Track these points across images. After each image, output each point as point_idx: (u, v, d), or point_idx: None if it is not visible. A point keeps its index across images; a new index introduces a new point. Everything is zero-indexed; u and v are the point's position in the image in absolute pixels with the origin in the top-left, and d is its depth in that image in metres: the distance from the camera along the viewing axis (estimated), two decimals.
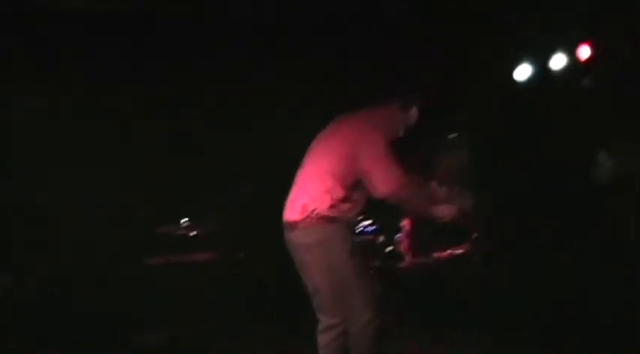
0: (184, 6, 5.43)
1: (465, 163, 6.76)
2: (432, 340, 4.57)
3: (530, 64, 6.42)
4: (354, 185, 3.93)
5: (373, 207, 4.22)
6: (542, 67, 6.36)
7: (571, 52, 6.14)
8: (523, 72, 6.48)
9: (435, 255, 4.51)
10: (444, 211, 4.09)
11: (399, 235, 4.56)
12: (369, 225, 5.25)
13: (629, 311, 4.77)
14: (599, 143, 5.71)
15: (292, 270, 4.07)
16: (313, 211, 3.87)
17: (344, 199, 3.90)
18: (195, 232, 6.22)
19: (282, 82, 6.23)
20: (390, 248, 4.73)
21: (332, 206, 3.87)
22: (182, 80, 6.11)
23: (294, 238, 3.97)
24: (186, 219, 6.27)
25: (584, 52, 6.06)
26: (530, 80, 6.48)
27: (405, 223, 4.41)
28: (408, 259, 4.42)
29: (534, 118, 6.34)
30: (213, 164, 6.45)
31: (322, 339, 3.98)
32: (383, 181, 3.84)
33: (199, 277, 5.96)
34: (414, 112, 4.21)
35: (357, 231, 5.12)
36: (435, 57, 6.04)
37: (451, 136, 6.46)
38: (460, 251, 4.36)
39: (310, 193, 3.93)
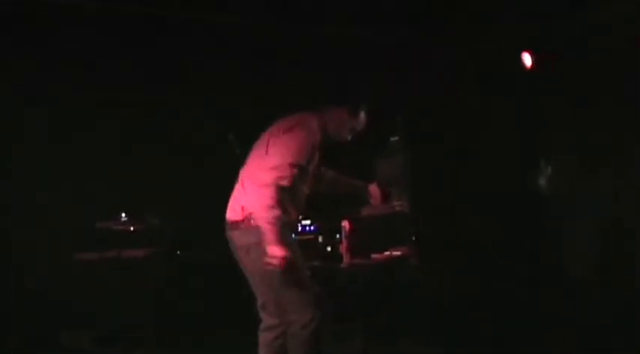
0: None
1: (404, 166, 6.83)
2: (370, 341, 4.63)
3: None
4: (292, 186, 3.93)
5: (313, 206, 4.24)
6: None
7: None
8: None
9: (374, 256, 4.54)
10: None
11: (338, 235, 4.58)
12: (309, 224, 5.26)
13: (568, 313, 4.89)
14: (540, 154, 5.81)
15: (233, 268, 4.08)
16: (252, 212, 3.87)
17: (282, 200, 3.90)
18: (133, 228, 6.14)
19: (230, 80, 6.24)
20: (329, 248, 4.74)
21: (271, 206, 3.87)
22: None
23: (235, 238, 3.98)
24: (125, 214, 6.18)
25: (527, 59, 6.20)
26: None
27: (345, 224, 4.42)
28: (346, 259, 4.44)
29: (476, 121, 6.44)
30: (156, 159, 6.41)
31: (263, 338, 3.99)
32: (269, 167, 3.84)
33: (135, 273, 5.90)
34: (361, 118, 4.23)
35: (297, 230, 5.14)
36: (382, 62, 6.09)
37: (392, 139, 6.52)
38: (399, 253, 4.38)
39: (248, 193, 3.93)
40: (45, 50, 5.76)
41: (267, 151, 3.93)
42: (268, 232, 3.76)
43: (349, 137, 4.18)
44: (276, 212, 3.76)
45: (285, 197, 3.90)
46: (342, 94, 4.28)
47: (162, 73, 6.11)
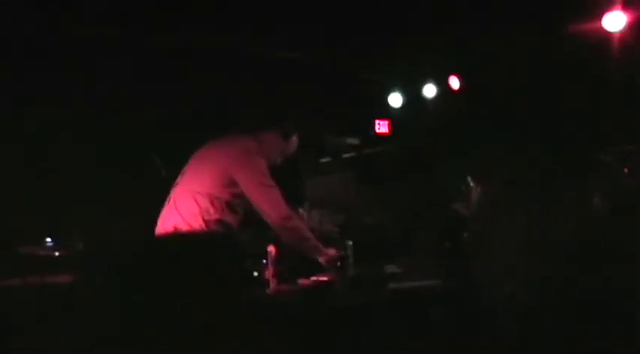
0: None
1: (338, 187, 6.85)
2: None
3: (401, 92, 6.62)
4: (228, 208, 3.92)
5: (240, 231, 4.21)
6: (414, 96, 6.57)
7: (441, 82, 6.37)
8: (396, 99, 6.68)
9: (300, 282, 4.50)
10: (328, 253, 4.11)
11: (264, 260, 4.52)
12: None
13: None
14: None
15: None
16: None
17: (217, 222, 3.89)
18: (58, 253, 5.98)
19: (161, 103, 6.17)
20: (256, 273, 4.67)
21: (204, 228, 3.84)
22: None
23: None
24: (50, 239, 6.02)
25: (455, 82, 6.31)
26: (403, 107, 6.69)
27: (271, 249, 4.37)
28: (272, 285, 4.38)
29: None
30: (81, 182, 6.28)
31: None
32: (268, 211, 3.85)
33: (58, 299, 5.73)
34: (293, 142, 4.24)
35: None
36: (315, 88, 6.11)
37: (324, 160, 6.54)
38: (325, 279, 4.36)
39: (183, 213, 3.91)
40: None
41: (228, 178, 3.89)
42: (305, 245, 3.80)
43: (279, 161, 4.18)
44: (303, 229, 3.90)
45: (222, 222, 3.88)
46: (273, 117, 4.29)
47: (84, 94, 6.01)
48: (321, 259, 4.18)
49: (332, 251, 4.25)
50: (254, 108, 5.83)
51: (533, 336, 4.92)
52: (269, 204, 3.93)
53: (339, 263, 4.37)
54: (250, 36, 5.76)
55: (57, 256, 5.96)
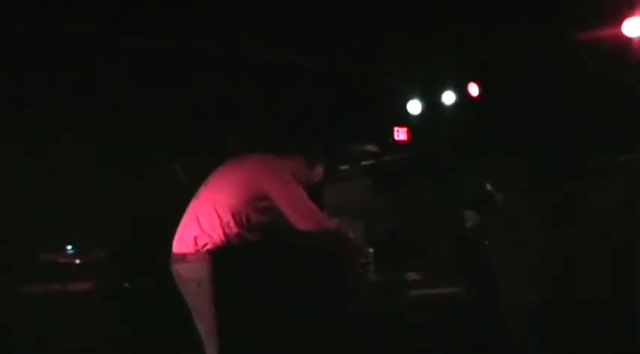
0: None
1: (356, 194, 6.85)
2: None
3: (420, 100, 6.64)
4: (249, 224, 3.90)
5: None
6: (433, 103, 6.58)
7: (460, 89, 6.38)
8: (415, 107, 6.70)
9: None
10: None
11: None
12: None
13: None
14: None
15: (179, 303, 4.01)
16: (205, 245, 3.82)
17: (237, 236, 3.87)
18: (79, 260, 6.01)
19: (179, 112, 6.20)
20: None
21: (224, 242, 3.83)
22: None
23: (182, 271, 3.91)
24: (71, 246, 6.06)
25: (474, 89, 6.32)
26: (422, 114, 6.71)
27: None
28: None
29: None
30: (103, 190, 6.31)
31: None
32: (307, 217, 3.85)
33: (79, 307, 5.77)
34: (318, 171, 4.24)
35: None
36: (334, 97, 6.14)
37: (343, 167, 6.55)
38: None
39: (203, 225, 3.88)
40: None
41: (256, 193, 3.90)
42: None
43: (304, 187, 4.17)
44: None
45: (242, 237, 3.88)
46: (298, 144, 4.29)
47: (105, 104, 6.03)
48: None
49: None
50: (278, 128, 5.83)
51: (554, 342, 4.92)
52: (309, 215, 3.91)
53: (361, 270, 4.37)
54: (266, 44, 5.76)
55: (78, 264, 6.01)
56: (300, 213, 3.88)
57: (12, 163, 5.99)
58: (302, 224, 3.87)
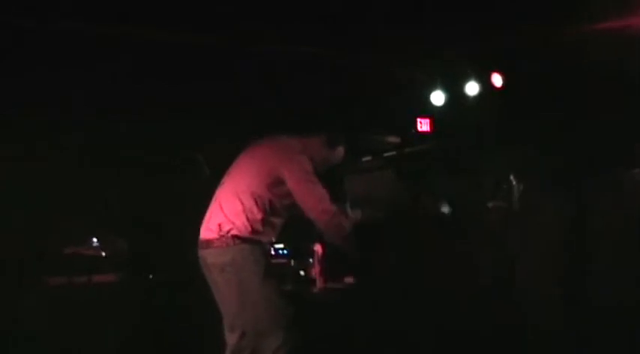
0: None
1: (378, 186, 6.84)
2: None
3: (443, 91, 6.61)
4: (272, 208, 3.94)
5: (286, 230, 4.23)
6: (456, 94, 6.56)
7: (483, 80, 6.36)
8: (438, 98, 6.68)
9: (347, 280, 4.52)
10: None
11: (311, 259, 4.55)
12: (282, 248, 5.23)
13: None
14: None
15: (205, 292, 4.04)
16: (229, 231, 3.86)
17: (260, 221, 3.91)
18: (104, 253, 6.05)
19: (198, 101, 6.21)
20: (302, 272, 4.70)
21: (247, 227, 3.87)
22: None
23: (208, 256, 3.95)
24: (96, 239, 6.10)
25: (497, 79, 6.29)
26: (445, 105, 6.69)
27: (317, 248, 4.40)
28: (319, 284, 4.40)
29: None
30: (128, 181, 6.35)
31: None
32: (313, 207, 3.87)
33: (104, 299, 5.80)
34: (339, 152, 4.25)
35: (271, 254, 5.10)
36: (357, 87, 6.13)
37: (365, 158, 6.54)
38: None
39: (227, 212, 3.92)
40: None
41: (274, 177, 3.92)
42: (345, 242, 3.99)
43: (323, 169, 4.18)
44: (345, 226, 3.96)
45: (266, 221, 3.91)
46: (319, 124, 4.29)
47: (126, 94, 6.05)
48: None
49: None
50: (299, 110, 5.83)
51: (572, 334, 4.90)
52: (313, 199, 3.93)
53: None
54: (287, 34, 5.76)
55: (103, 256, 6.05)
56: (307, 202, 3.90)
57: (36, 159, 6.04)
58: (310, 212, 3.90)
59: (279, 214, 4.02)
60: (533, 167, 5.82)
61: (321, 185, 3.98)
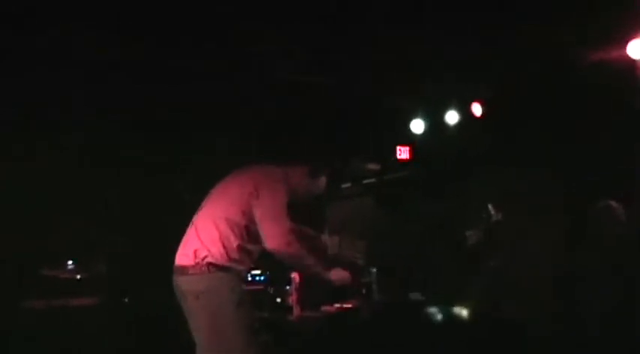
0: None
1: (358, 212, 6.86)
2: None
3: (423, 119, 6.67)
4: (248, 234, 3.91)
5: (264, 257, 4.21)
6: (436, 122, 6.60)
7: (463, 109, 6.41)
8: (418, 126, 6.72)
9: (324, 308, 4.50)
10: (338, 276, 4.11)
11: (288, 286, 4.53)
12: (259, 274, 5.21)
13: None
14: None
15: (180, 317, 4.01)
16: (204, 257, 3.83)
17: (237, 249, 3.88)
18: (80, 276, 6.01)
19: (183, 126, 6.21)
20: (279, 300, 4.68)
21: (223, 255, 3.84)
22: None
23: (182, 284, 3.91)
24: (72, 261, 6.06)
25: (477, 109, 6.34)
26: (425, 133, 6.73)
27: (295, 275, 4.38)
28: (296, 311, 4.38)
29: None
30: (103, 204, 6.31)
31: None
32: (270, 234, 3.84)
33: (81, 322, 5.75)
34: (321, 182, 4.24)
35: (247, 280, 5.08)
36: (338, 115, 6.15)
37: (344, 185, 6.55)
38: (349, 305, 4.35)
39: (203, 238, 3.89)
40: None
41: (248, 204, 3.90)
42: (308, 271, 3.93)
43: (305, 198, 4.17)
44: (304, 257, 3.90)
45: (242, 248, 3.89)
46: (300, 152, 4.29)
47: (111, 119, 6.03)
48: (335, 281, 4.14)
49: (342, 274, 4.20)
50: (281, 139, 5.84)
51: None
52: (270, 231, 3.89)
53: (363, 291, 4.37)
54: (271, 60, 5.77)
55: (79, 279, 6.01)
56: (264, 230, 3.88)
57: (12, 177, 5.99)
58: (265, 241, 3.88)
59: (256, 241, 3.99)
60: (514, 195, 5.86)
61: (284, 220, 3.93)
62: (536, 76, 5.84)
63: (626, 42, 5.28)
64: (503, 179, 6.01)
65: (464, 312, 5.22)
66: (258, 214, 3.89)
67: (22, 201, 6.00)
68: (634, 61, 5.30)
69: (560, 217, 5.52)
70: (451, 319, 5.08)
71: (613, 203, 5.07)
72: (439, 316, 5.05)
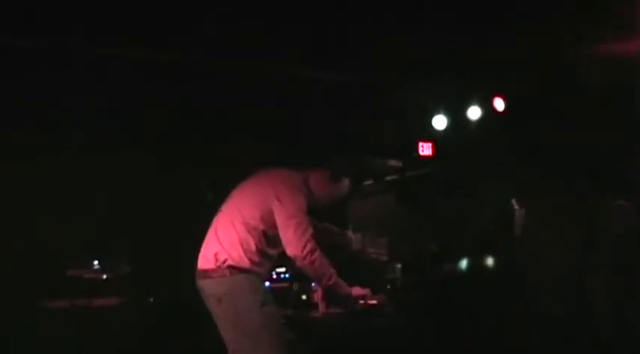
0: None
1: (380, 209, 6.85)
2: None
3: (445, 115, 6.63)
4: (267, 239, 3.92)
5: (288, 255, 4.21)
6: (458, 118, 6.58)
7: (485, 104, 6.38)
8: (440, 122, 6.69)
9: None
10: (358, 292, 4.12)
11: (313, 283, 4.53)
12: (284, 272, 5.22)
13: None
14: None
15: (206, 317, 4.03)
16: (225, 260, 3.85)
17: (256, 252, 3.89)
18: (105, 276, 6.05)
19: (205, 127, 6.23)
20: (304, 297, 4.69)
21: (243, 258, 3.86)
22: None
23: (205, 286, 3.94)
24: (97, 262, 6.10)
25: (499, 103, 6.31)
26: (447, 129, 6.71)
27: None
28: (321, 308, 4.39)
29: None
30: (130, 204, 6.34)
31: None
32: (290, 241, 3.85)
33: (106, 322, 5.79)
34: (344, 184, 4.23)
35: (272, 278, 5.09)
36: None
37: (367, 182, 6.54)
38: (374, 302, 4.34)
39: (223, 241, 3.91)
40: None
41: (267, 208, 3.90)
42: (325, 282, 3.92)
43: (327, 203, 4.18)
44: (324, 266, 3.89)
45: (261, 252, 3.90)
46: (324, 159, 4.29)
47: (130, 118, 6.06)
48: (355, 296, 4.14)
49: (358, 291, 4.19)
50: (302, 142, 5.85)
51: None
52: (291, 238, 3.88)
53: (388, 286, 4.36)
54: (292, 58, 5.77)
55: (104, 279, 6.05)
56: (286, 238, 3.87)
57: (38, 179, 6.03)
58: (287, 249, 3.88)
59: (274, 245, 3.99)
60: (537, 190, 5.84)
61: (305, 225, 3.93)
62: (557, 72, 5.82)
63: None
64: (523, 175, 5.99)
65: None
66: (279, 220, 3.90)
67: (47, 201, 6.05)
68: None
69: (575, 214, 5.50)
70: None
71: (624, 202, 5.08)
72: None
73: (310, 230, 3.88)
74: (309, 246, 3.83)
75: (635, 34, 5.19)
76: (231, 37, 5.32)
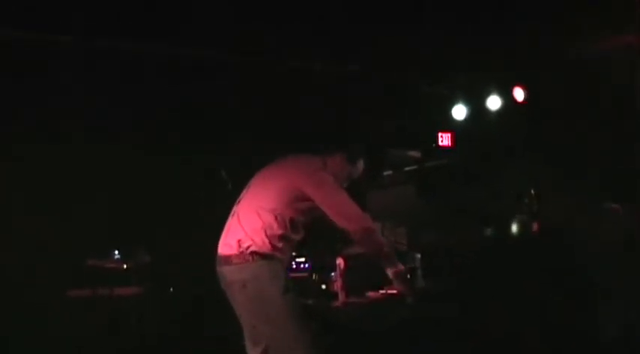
0: None
1: (399, 200, 6.83)
2: None
3: (465, 105, 6.61)
4: (292, 225, 3.94)
5: (308, 243, 4.23)
6: (478, 108, 6.56)
7: (506, 94, 6.35)
8: (459, 112, 6.67)
9: (369, 294, 4.49)
10: (399, 267, 4.13)
11: (333, 273, 4.54)
12: (303, 261, 5.23)
13: None
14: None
15: (224, 306, 4.05)
16: (248, 247, 3.86)
17: (279, 237, 3.91)
18: (125, 266, 6.08)
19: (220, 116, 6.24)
20: (324, 286, 4.69)
21: (266, 243, 3.87)
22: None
23: (227, 273, 3.95)
24: (117, 251, 6.13)
25: (519, 93, 6.28)
26: (467, 119, 6.69)
27: (340, 262, 4.38)
28: (341, 298, 4.38)
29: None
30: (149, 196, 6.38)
31: None
32: (350, 218, 3.88)
33: (125, 311, 5.83)
34: (359, 165, 4.25)
35: (292, 267, 5.10)
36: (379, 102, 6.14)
37: (386, 173, 6.53)
38: (394, 291, 4.33)
39: (246, 228, 3.93)
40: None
41: (295, 193, 3.93)
42: (390, 255, 4.01)
43: (345, 185, 4.19)
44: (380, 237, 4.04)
45: (284, 238, 3.91)
46: (342, 138, 4.30)
47: (151, 111, 6.08)
48: (390, 273, 4.15)
49: (401, 266, 4.22)
50: (318, 128, 5.84)
51: None
52: (349, 214, 3.94)
53: (408, 276, 4.34)
54: (310, 50, 5.77)
55: (125, 268, 6.08)
56: (341, 215, 3.91)
57: (60, 169, 6.07)
58: (346, 225, 3.91)
59: (298, 231, 4.02)
60: (555, 180, 5.81)
61: (351, 199, 3.99)
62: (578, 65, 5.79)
63: None
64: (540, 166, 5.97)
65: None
66: (325, 204, 3.92)
67: (69, 192, 6.09)
68: None
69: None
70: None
71: (614, 206, 5.06)
72: None
73: (357, 205, 3.95)
74: (368, 221, 3.91)
75: None
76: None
